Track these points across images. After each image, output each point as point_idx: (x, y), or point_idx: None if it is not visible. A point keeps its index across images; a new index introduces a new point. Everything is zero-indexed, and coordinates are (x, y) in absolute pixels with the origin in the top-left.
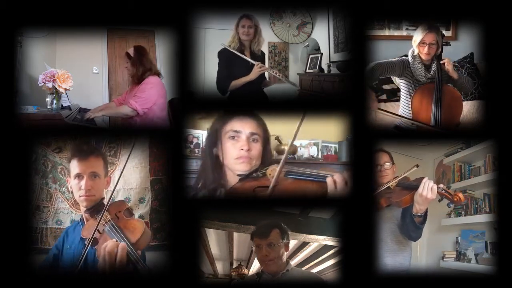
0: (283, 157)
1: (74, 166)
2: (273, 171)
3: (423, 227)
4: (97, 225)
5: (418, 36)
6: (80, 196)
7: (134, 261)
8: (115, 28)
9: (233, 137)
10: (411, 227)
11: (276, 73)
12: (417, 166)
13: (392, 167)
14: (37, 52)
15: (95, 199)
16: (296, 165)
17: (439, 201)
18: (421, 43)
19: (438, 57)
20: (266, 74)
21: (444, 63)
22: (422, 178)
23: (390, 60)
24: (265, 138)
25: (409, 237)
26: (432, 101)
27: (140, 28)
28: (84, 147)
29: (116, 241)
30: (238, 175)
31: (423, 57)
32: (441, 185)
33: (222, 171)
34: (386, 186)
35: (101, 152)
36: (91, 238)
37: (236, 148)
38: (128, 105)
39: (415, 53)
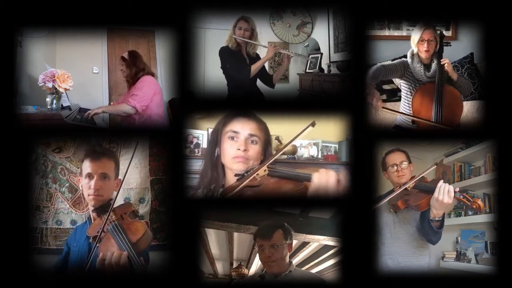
0: (271, 158)
1: (86, 166)
2: (261, 171)
3: (442, 231)
4: (104, 224)
5: (416, 34)
6: (89, 195)
7: (131, 259)
8: (115, 28)
9: (232, 138)
10: (430, 232)
11: (288, 51)
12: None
13: (409, 166)
14: (37, 52)
15: (103, 199)
16: (285, 164)
17: (457, 206)
18: (420, 40)
19: (438, 56)
20: (267, 66)
21: (444, 64)
22: (438, 181)
23: (391, 62)
24: (266, 140)
25: (429, 241)
26: (433, 101)
27: (140, 28)
28: (98, 148)
29: (120, 249)
30: (235, 175)
31: (423, 55)
32: (458, 189)
33: (223, 171)
34: (403, 188)
35: (114, 154)
36: (98, 237)
37: (234, 148)
38: (127, 103)
39: (414, 52)
